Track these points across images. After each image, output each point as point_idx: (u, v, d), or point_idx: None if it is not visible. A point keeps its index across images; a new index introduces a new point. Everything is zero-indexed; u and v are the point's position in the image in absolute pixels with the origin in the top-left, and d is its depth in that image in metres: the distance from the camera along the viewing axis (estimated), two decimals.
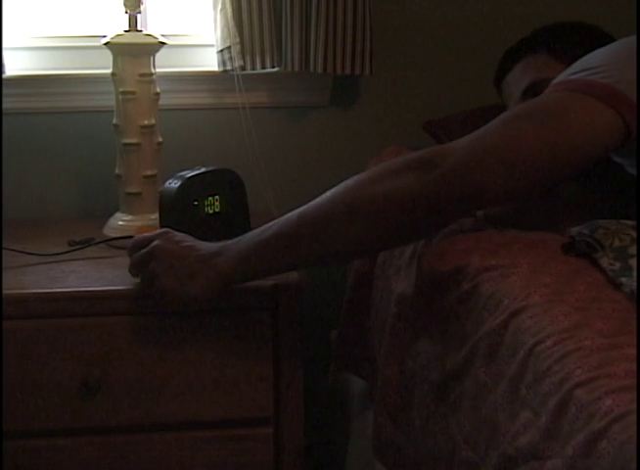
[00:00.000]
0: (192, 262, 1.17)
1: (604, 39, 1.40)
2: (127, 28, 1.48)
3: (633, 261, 0.96)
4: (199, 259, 1.17)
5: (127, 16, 1.48)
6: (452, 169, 1.02)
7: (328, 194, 1.11)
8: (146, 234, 1.26)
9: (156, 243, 1.20)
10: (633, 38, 1.13)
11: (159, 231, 1.25)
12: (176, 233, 1.23)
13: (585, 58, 1.15)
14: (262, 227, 1.15)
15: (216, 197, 1.42)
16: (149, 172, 1.52)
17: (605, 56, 1.13)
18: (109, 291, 1.30)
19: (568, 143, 1.03)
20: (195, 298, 1.18)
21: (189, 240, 1.21)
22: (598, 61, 1.11)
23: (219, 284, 1.17)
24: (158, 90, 1.52)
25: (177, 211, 1.38)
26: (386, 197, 1.04)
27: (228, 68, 1.63)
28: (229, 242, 1.18)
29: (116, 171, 1.54)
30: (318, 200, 1.11)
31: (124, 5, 1.48)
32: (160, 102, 1.54)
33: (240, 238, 1.17)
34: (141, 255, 1.22)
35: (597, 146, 1.05)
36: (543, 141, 1.03)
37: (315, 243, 1.10)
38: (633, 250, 0.97)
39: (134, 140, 1.50)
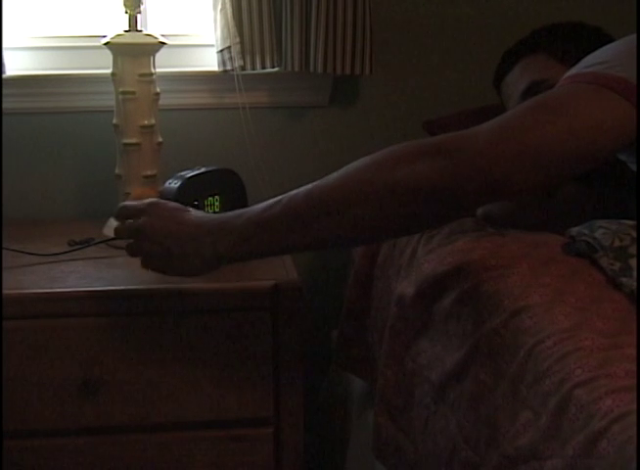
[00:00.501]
0: (185, 241, 1.10)
1: (603, 39, 1.39)
2: (127, 28, 1.48)
3: (633, 261, 0.96)
4: (192, 237, 1.10)
5: (127, 16, 1.48)
6: (475, 159, 0.97)
7: (338, 175, 1.05)
8: (135, 203, 1.18)
9: (143, 220, 1.13)
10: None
11: (148, 201, 1.17)
12: (168, 205, 1.16)
13: (596, 53, 1.14)
14: (264, 204, 1.08)
15: (216, 197, 1.42)
16: (149, 172, 1.52)
17: (616, 50, 1.12)
18: (109, 291, 1.30)
19: (590, 134, 1.01)
20: (190, 275, 1.13)
21: (181, 212, 1.14)
22: (610, 55, 1.10)
23: (215, 263, 1.11)
24: (158, 90, 1.52)
25: None
26: (403, 184, 0.99)
27: (228, 68, 1.63)
28: (227, 215, 1.10)
29: (116, 171, 1.54)
30: (327, 181, 1.05)
31: (124, 5, 1.48)
32: (160, 102, 1.54)
33: (239, 213, 1.09)
34: (129, 229, 1.16)
35: (617, 137, 1.02)
36: (565, 131, 1.00)
37: (323, 227, 1.03)
38: (633, 250, 0.97)
39: (134, 140, 1.50)
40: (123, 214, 1.17)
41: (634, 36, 1.15)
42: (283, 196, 1.07)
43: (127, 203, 1.20)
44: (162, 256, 1.12)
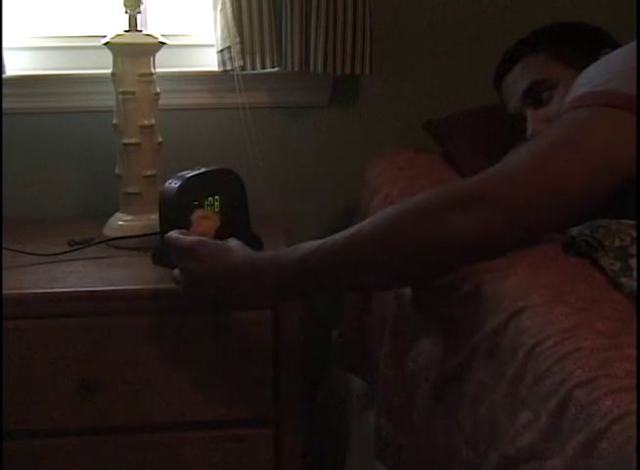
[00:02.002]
0: (232, 285, 1.13)
1: (603, 39, 1.40)
2: (127, 28, 1.48)
3: (633, 261, 0.96)
4: (240, 281, 1.12)
5: (127, 16, 1.48)
6: (509, 207, 0.99)
7: (376, 224, 1.04)
8: (181, 241, 1.19)
9: (190, 266, 1.16)
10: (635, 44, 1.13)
11: (193, 241, 1.18)
12: (209, 246, 1.17)
13: (598, 65, 1.14)
14: (304, 247, 1.08)
15: (216, 197, 1.42)
16: (149, 172, 1.52)
17: (618, 64, 1.12)
18: (109, 291, 1.30)
19: (609, 162, 1.02)
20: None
21: (225, 254, 1.15)
22: (612, 70, 1.10)
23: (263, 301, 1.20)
24: (158, 90, 1.52)
25: (177, 211, 1.37)
26: (442, 239, 1.00)
27: (228, 68, 1.63)
28: (272, 256, 1.13)
29: (116, 171, 1.54)
30: (367, 229, 1.04)
31: (124, 5, 1.48)
32: (160, 102, 1.54)
33: (286, 252, 1.12)
34: (176, 275, 1.19)
35: (631, 156, 1.03)
36: (586, 168, 1.01)
37: (364, 277, 1.05)
38: (633, 250, 0.97)
39: (134, 140, 1.50)
40: (173, 246, 1.20)
41: (633, 45, 1.14)
42: (319, 242, 1.07)
43: (179, 237, 1.20)
44: (211, 297, 1.17)
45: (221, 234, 1.29)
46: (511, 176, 1.01)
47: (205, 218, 1.33)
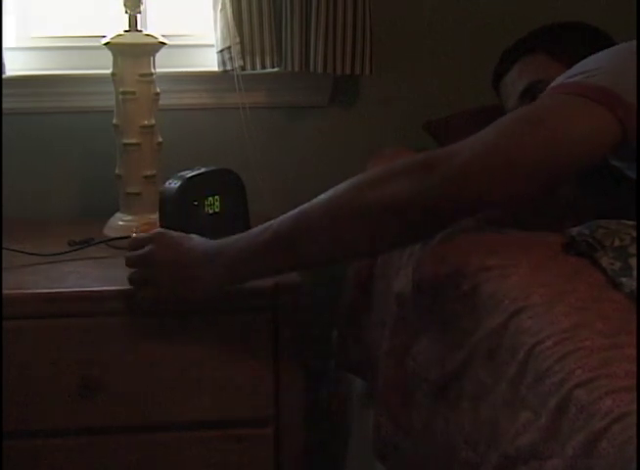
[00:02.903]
0: (188, 267, 1.18)
1: (602, 39, 1.40)
2: (127, 28, 1.48)
3: (633, 261, 0.96)
4: (195, 264, 1.18)
5: (127, 16, 1.48)
6: (452, 174, 1.01)
7: (326, 196, 1.10)
8: (142, 235, 1.27)
9: (150, 248, 1.22)
10: (633, 43, 1.13)
11: (154, 232, 1.26)
12: (172, 234, 1.24)
13: (583, 61, 1.15)
14: (260, 227, 1.15)
15: (216, 197, 1.42)
16: (149, 172, 1.52)
17: (602, 59, 1.13)
18: (109, 291, 1.30)
19: (566, 144, 1.03)
20: (193, 299, 1.20)
21: (184, 241, 1.22)
22: (595, 64, 1.11)
23: (216, 287, 1.19)
24: (158, 90, 1.52)
25: (177, 211, 1.37)
26: (382, 202, 1.04)
27: (228, 68, 1.63)
28: (226, 241, 1.18)
29: (116, 171, 1.54)
30: (316, 201, 1.11)
31: (124, 5, 1.48)
32: (160, 102, 1.54)
33: (237, 238, 1.17)
34: (135, 258, 1.24)
35: (595, 147, 1.05)
36: (542, 144, 1.03)
37: (312, 246, 1.10)
38: (633, 249, 0.97)
39: (134, 140, 1.50)
40: (133, 245, 1.25)
41: (627, 44, 1.15)
42: (274, 221, 1.13)
43: (137, 235, 1.29)
44: (166, 282, 1.20)
45: None
46: (465, 148, 1.03)
47: (149, 227, 1.36)
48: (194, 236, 1.23)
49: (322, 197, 1.11)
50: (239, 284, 1.21)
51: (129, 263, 1.26)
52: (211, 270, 1.16)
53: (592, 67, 1.10)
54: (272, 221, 1.14)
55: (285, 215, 1.13)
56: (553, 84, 1.13)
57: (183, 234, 1.24)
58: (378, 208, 1.04)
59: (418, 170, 1.03)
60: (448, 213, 1.05)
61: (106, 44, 1.49)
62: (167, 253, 1.20)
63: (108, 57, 1.50)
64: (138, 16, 1.48)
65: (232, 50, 1.61)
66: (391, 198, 1.03)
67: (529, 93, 1.37)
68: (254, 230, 1.16)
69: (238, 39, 1.61)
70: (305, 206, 1.11)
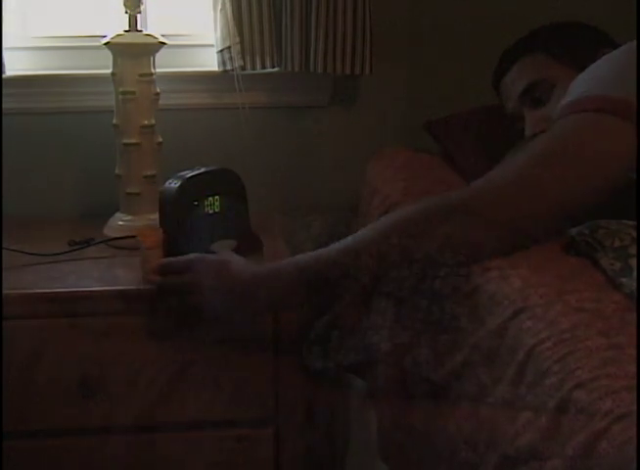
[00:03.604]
0: (245, 288, 1.18)
1: (602, 39, 1.40)
2: (127, 28, 1.48)
3: (633, 261, 0.96)
4: (251, 284, 1.17)
5: (127, 16, 1.48)
6: (499, 217, 1.04)
7: (372, 235, 1.12)
8: (180, 259, 1.23)
9: (193, 275, 1.20)
10: (634, 44, 1.13)
11: (190, 257, 1.23)
12: (210, 258, 1.22)
13: (591, 69, 1.14)
14: (301, 259, 1.16)
15: (216, 197, 1.42)
16: (149, 172, 1.52)
17: (611, 66, 1.12)
18: (109, 291, 1.30)
19: (603, 171, 1.04)
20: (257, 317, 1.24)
21: (226, 266, 1.20)
22: (605, 72, 1.11)
23: (266, 309, 1.22)
24: (158, 90, 1.52)
25: (177, 211, 1.37)
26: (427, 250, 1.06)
27: (228, 68, 1.63)
28: (275, 266, 1.18)
29: (116, 171, 1.54)
30: (362, 239, 1.13)
31: (124, 5, 1.47)
32: (160, 102, 1.54)
33: (287, 262, 1.18)
34: (176, 285, 1.22)
35: (630, 160, 1.04)
36: (580, 180, 1.04)
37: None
38: (633, 250, 0.97)
39: (134, 140, 1.50)
40: (166, 270, 1.24)
41: (629, 46, 1.14)
42: (319, 252, 1.15)
43: (171, 259, 1.25)
44: (222, 306, 1.19)
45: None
46: (497, 188, 1.06)
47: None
48: (233, 258, 1.21)
49: (368, 233, 1.13)
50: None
51: (164, 291, 1.24)
52: (265, 291, 1.16)
53: (607, 74, 1.10)
54: (313, 253, 1.16)
55: (331, 248, 1.15)
56: (570, 99, 1.11)
57: (221, 259, 1.22)
58: (423, 254, 1.07)
59: (455, 216, 1.06)
60: (490, 254, 1.06)
61: (106, 44, 1.49)
62: (216, 279, 1.18)
63: (108, 57, 1.50)
64: (138, 16, 1.48)
65: (232, 50, 1.61)
66: (436, 245, 1.06)
67: (529, 93, 1.37)
68: (296, 258, 1.18)
69: (238, 39, 1.61)
70: (353, 240, 1.13)
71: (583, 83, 1.11)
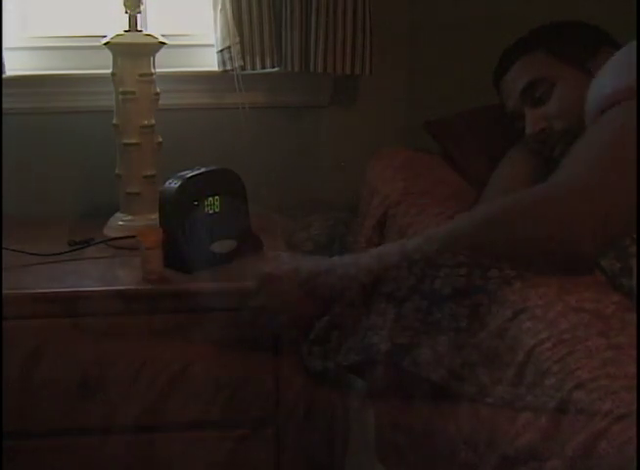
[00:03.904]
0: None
1: (602, 38, 1.40)
2: (127, 28, 1.48)
3: (633, 261, 0.96)
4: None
5: (127, 16, 1.48)
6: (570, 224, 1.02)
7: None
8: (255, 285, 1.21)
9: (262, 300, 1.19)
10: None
11: (262, 278, 1.20)
12: (279, 275, 1.19)
13: (613, 60, 1.14)
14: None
15: (216, 197, 1.42)
16: (148, 172, 1.52)
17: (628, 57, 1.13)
18: (109, 291, 1.30)
19: None
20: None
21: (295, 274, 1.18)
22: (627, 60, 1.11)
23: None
24: (157, 90, 1.52)
25: (177, 211, 1.37)
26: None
27: (228, 68, 1.63)
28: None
29: (116, 171, 1.54)
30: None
31: (124, 5, 1.47)
32: (160, 102, 1.54)
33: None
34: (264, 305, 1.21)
35: None
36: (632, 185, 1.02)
37: None
38: (633, 250, 0.97)
39: (134, 140, 1.50)
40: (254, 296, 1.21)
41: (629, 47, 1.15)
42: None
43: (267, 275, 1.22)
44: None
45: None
46: (569, 193, 1.03)
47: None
48: (299, 264, 1.20)
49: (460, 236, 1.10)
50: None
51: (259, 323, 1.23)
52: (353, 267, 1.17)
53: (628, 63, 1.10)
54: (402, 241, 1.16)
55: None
56: (600, 94, 1.12)
57: (287, 269, 1.19)
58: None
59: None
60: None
61: (106, 44, 1.49)
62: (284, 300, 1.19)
63: (108, 57, 1.50)
64: (138, 16, 1.48)
65: (232, 50, 1.61)
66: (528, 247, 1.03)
67: (530, 91, 1.37)
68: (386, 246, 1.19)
69: (238, 39, 1.61)
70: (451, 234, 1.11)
71: (607, 78, 1.12)
